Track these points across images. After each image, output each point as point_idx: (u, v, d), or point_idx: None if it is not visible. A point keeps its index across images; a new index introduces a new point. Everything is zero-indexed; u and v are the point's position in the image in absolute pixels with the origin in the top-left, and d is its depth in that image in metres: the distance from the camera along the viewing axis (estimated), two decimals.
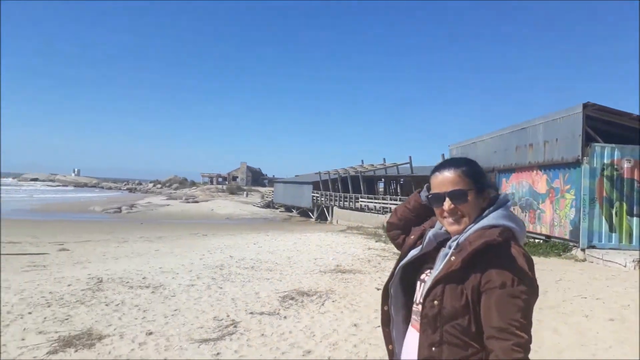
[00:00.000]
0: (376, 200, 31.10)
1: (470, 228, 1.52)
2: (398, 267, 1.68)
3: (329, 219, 35.13)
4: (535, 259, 11.48)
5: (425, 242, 1.63)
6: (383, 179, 42.66)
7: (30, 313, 5.96)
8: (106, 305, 6.47)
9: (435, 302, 1.45)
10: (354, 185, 35.20)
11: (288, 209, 44.89)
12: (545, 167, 14.00)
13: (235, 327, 5.53)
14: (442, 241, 1.62)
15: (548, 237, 13.60)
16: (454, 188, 1.55)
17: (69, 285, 7.69)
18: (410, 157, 33.33)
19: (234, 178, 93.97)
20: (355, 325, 5.72)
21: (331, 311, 6.33)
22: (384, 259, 11.42)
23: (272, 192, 53.40)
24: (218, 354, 4.64)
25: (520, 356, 1.32)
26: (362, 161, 40.46)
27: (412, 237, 1.72)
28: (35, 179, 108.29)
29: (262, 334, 5.28)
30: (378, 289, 7.73)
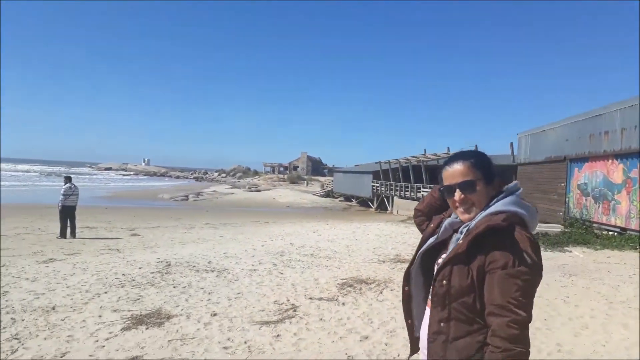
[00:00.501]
0: None
1: (480, 215, 1.62)
2: (418, 254, 1.80)
3: (389, 209, 34.82)
4: (608, 252, 10.88)
5: (441, 231, 1.75)
6: None
7: (106, 292, 6.39)
8: (174, 287, 6.81)
9: (444, 281, 1.56)
10: (416, 175, 34.66)
11: (347, 198, 44.96)
12: (621, 155, 13.15)
13: (294, 311, 5.66)
14: (457, 229, 1.74)
15: (623, 229, 12.80)
16: (464, 179, 1.65)
17: (140, 268, 8.15)
18: (476, 146, 32.00)
19: (295, 167, 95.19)
20: None
21: (389, 299, 6.31)
22: None
23: (332, 181, 53.61)
24: (278, 335, 4.77)
25: (515, 332, 1.41)
26: (425, 150, 39.67)
27: (432, 225, 1.85)
28: (109, 168, 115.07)
29: (321, 319, 5.37)
30: None
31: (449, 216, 1.80)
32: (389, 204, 35.19)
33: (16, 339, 4.46)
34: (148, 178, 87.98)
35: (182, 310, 5.63)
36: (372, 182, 39.15)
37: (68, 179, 13.76)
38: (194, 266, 8.36)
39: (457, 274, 1.54)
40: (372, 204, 38.49)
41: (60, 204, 13.06)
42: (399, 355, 4.28)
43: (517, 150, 22.63)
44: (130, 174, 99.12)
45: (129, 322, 5.09)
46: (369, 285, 7.07)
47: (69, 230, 12.95)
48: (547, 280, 6.95)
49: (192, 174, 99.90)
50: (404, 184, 33.97)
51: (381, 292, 6.67)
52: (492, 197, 1.65)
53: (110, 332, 4.76)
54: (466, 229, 1.62)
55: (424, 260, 1.79)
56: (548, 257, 9.27)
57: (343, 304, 6.05)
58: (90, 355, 4.12)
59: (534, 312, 1.53)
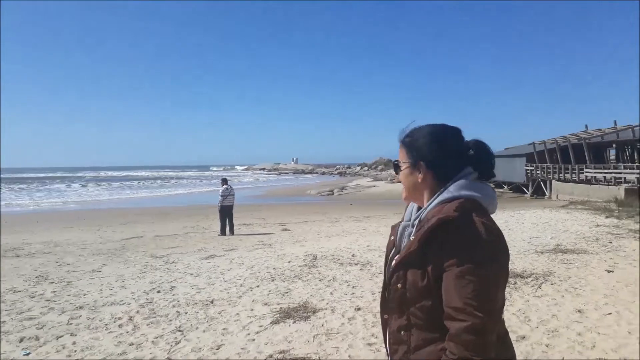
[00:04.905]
0: (606, 170, 27.08)
1: (432, 203, 1.45)
2: (385, 273, 1.61)
3: (546, 193, 31.78)
4: None
5: (397, 239, 1.55)
6: (614, 145, 36.80)
7: (257, 286, 6.76)
8: (320, 280, 6.95)
9: (399, 285, 1.41)
10: (577, 155, 31.20)
11: (498, 184, 42.05)
12: None
13: None
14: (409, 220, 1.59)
15: None
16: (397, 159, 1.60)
17: (289, 261, 8.51)
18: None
19: None
20: (579, 311, 5.01)
21: (549, 295, 5.66)
22: (616, 237, 9.80)
23: None
24: None
25: (473, 338, 1.24)
26: (587, 126, 35.59)
27: (392, 237, 1.64)
28: (263, 169, 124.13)
29: None
30: (609, 271, 6.68)
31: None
32: (546, 189, 32.16)
33: (179, 330, 4.90)
34: (297, 177, 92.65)
35: (327, 304, 5.70)
36: (526, 165, 36.14)
37: (224, 182, 15.02)
38: (338, 259, 8.48)
39: (412, 275, 1.37)
40: (527, 190, 35.54)
41: (219, 205, 14.33)
42: (562, 359, 3.77)
43: None
44: (281, 173, 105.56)
45: (278, 315, 5.29)
46: (525, 280, 6.43)
47: (228, 228, 14.15)
48: None
49: (336, 169, 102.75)
50: (563, 165, 30.87)
51: (539, 287, 6.03)
52: (437, 183, 1.48)
53: (261, 326, 4.98)
54: (418, 220, 1.47)
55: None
56: None
57: None
58: (242, 349, 4.34)
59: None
